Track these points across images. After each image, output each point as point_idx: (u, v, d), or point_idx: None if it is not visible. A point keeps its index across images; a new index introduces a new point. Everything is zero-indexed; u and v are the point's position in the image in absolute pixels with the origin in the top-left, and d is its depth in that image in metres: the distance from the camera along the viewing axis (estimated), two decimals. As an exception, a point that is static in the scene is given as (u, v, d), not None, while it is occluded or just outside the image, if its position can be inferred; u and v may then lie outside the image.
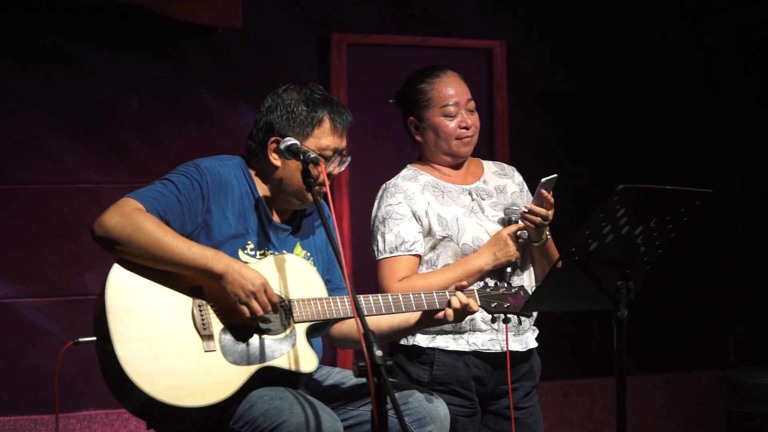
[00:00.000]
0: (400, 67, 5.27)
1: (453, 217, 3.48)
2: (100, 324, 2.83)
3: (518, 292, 3.25)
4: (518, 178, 3.70)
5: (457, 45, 5.43)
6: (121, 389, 2.82)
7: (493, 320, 3.23)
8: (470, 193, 3.57)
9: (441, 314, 3.13)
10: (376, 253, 3.51)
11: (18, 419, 4.68)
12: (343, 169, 3.16)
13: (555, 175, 3.42)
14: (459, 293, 3.12)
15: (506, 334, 3.46)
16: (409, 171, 3.59)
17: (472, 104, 3.56)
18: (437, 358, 3.45)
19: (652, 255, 3.02)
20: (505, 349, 3.47)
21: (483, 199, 3.57)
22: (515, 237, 3.45)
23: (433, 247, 3.48)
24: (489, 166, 3.69)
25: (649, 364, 5.79)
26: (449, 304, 3.11)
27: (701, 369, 5.91)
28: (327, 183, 3.00)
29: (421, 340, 3.47)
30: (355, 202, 5.22)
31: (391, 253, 3.46)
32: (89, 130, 4.84)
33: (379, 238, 3.49)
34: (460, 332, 3.46)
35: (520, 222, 3.47)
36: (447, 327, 3.43)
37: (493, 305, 3.20)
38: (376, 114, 5.23)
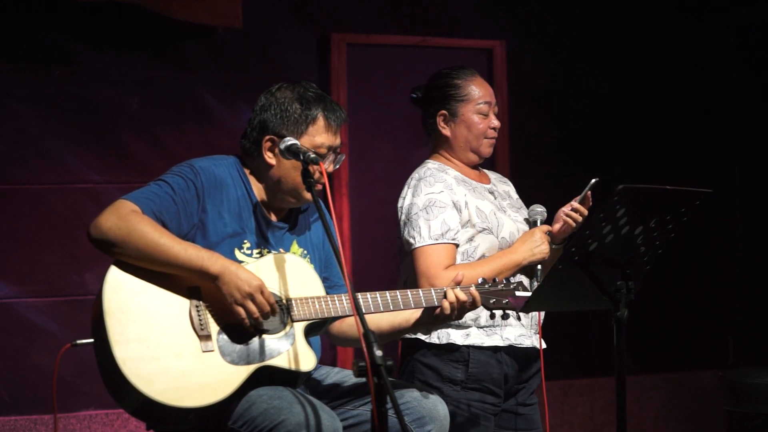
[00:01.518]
0: (400, 67, 5.31)
1: (490, 211, 3.53)
2: (97, 325, 2.83)
3: (516, 287, 3.25)
4: (513, 187, 3.79)
5: (457, 45, 5.43)
6: (119, 390, 2.82)
7: (492, 317, 3.24)
8: (492, 193, 3.62)
9: (438, 311, 3.12)
10: (415, 239, 3.47)
11: (18, 419, 4.67)
12: (337, 166, 3.16)
13: (598, 179, 3.49)
14: (458, 290, 3.12)
15: (539, 325, 3.52)
16: (434, 164, 3.61)
17: (497, 108, 3.65)
18: (472, 356, 3.47)
19: (652, 255, 3.02)
20: (533, 344, 3.52)
21: (503, 200, 3.64)
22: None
23: (471, 239, 3.50)
24: (491, 174, 3.76)
25: (649, 364, 5.79)
26: (449, 301, 3.11)
27: (701, 369, 5.91)
28: (326, 181, 3.00)
29: (456, 337, 3.47)
30: (355, 201, 5.22)
31: (436, 240, 3.45)
32: (89, 130, 4.84)
33: (422, 225, 3.46)
34: (493, 326, 3.48)
35: (543, 224, 3.55)
36: (482, 321, 3.46)
37: (491, 302, 3.19)
38: (376, 114, 5.23)
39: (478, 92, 3.58)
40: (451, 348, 3.48)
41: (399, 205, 3.57)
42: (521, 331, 3.52)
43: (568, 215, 3.49)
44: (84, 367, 4.53)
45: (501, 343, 3.48)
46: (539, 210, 3.57)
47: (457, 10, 5.50)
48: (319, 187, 3.03)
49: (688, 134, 5.92)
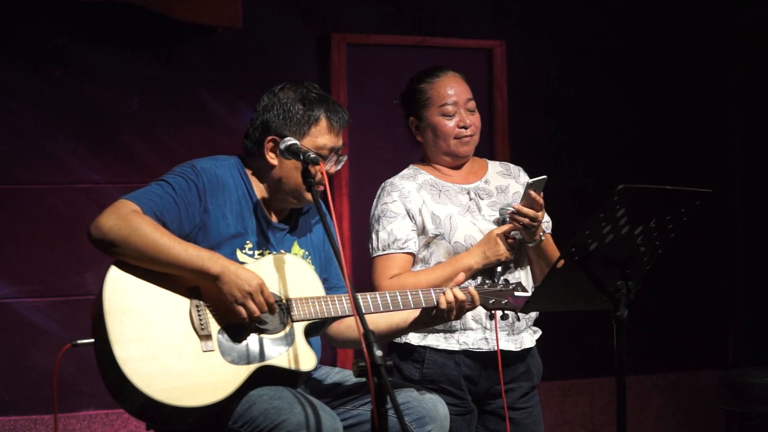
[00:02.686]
0: (400, 67, 5.29)
1: (446, 216, 3.50)
2: (98, 325, 2.83)
3: (516, 288, 3.25)
4: (523, 178, 3.70)
5: (457, 45, 5.43)
6: (120, 390, 2.82)
7: (491, 317, 3.24)
8: (468, 193, 3.58)
9: (435, 312, 3.12)
10: (370, 250, 3.55)
11: (18, 419, 4.67)
12: (339, 168, 3.16)
13: (544, 177, 3.42)
14: (456, 290, 3.12)
15: (496, 333, 3.47)
16: (409, 170, 3.63)
17: (472, 104, 3.58)
18: (428, 357, 3.47)
19: (652, 255, 3.02)
20: (494, 348, 3.47)
21: (482, 199, 3.58)
22: (506, 237, 3.45)
23: (427, 245, 3.51)
24: (494, 166, 3.71)
25: (649, 364, 5.79)
26: (447, 300, 3.11)
27: (701, 369, 5.91)
28: (326, 182, 3.00)
29: (413, 338, 3.49)
30: (355, 202, 5.22)
31: (384, 250, 3.50)
32: (89, 130, 4.84)
33: (374, 236, 3.54)
34: (451, 331, 3.47)
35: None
36: (439, 325, 3.44)
37: (490, 302, 3.20)
38: (376, 114, 5.23)
39: (440, 93, 3.54)
40: (408, 348, 3.50)
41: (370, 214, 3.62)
42: (483, 335, 3.49)
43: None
44: (84, 367, 4.53)
45: (456, 348, 3.47)
46: (509, 209, 3.48)
47: (457, 10, 5.50)
48: (321, 188, 3.03)
49: (688, 134, 5.92)
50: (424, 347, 3.48)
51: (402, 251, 3.49)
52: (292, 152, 3.01)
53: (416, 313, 3.18)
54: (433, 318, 3.16)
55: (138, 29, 4.86)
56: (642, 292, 3.06)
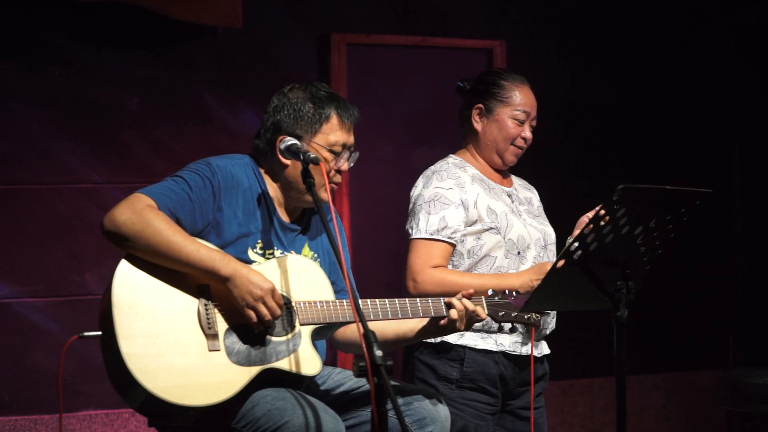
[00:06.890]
0: (400, 67, 5.30)
1: (502, 212, 3.52)
2: (105, 319, 2.82)
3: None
4: (537, 195, 3.78)
5: (457, 45, 5.43)
6: (123, 385, 2.82)
7: (500, 329, 3.24)
8: (509, 195, 3.62)
9: (445, 321, 3.11)
10: (413, 230, 3.50)
11: (18, 419, 4.67)
12: (352, 164, 3.17)
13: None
14: (466, 300, 3.11)
15: (532, 340, 3.49)
16: (456, 160, 3.62)
17: (534, 122, 3.63)
18: (468, 356, 3.48)
19: (652, 255, 3.02)
20: (529, 352, 3.51)
21: (521, 204, 3.63)
22: None
23: (478, 237, 3.49)
24: (515, 179, 3.77)
25: (649, 364, 5.79)
26: (458, 310, 3.09)
27: (701, 369, 5.91)
28: (327, 180, 3.00)
29: (450, 337, 3.47)
30: (355, 202, 5.22)
31: (431, 235, 3.47)
32: (89, 130, 4.84)
33: (421, 217, 3.49)
34: (489, 332, 3.48)
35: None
36: (476, 325, 3.41)
37: (500, 314, 3.18)
38: (376, 114, 5.23)
39: (519, 99, 3.59)
40: (445, 347, 3.50)
41: (410, 194, 3.60)
42: (516, 339, 3.51)
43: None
44: (84, 367, 4.53)
45: (494, 348, 3.49)
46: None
47: (457, 10, 5.50)
48: (335, 187, 3.03)
49: (688, 134, 5.92)
50: (463, 346, 3.48)
51: (449, 240, 3.48)
52: (292, 152, 3.02)
53: (423, 322, 3.17)
54: (441, 328, 3.13)
55: (138, 29, 4.86)
56: (642, 292, 3.06)
